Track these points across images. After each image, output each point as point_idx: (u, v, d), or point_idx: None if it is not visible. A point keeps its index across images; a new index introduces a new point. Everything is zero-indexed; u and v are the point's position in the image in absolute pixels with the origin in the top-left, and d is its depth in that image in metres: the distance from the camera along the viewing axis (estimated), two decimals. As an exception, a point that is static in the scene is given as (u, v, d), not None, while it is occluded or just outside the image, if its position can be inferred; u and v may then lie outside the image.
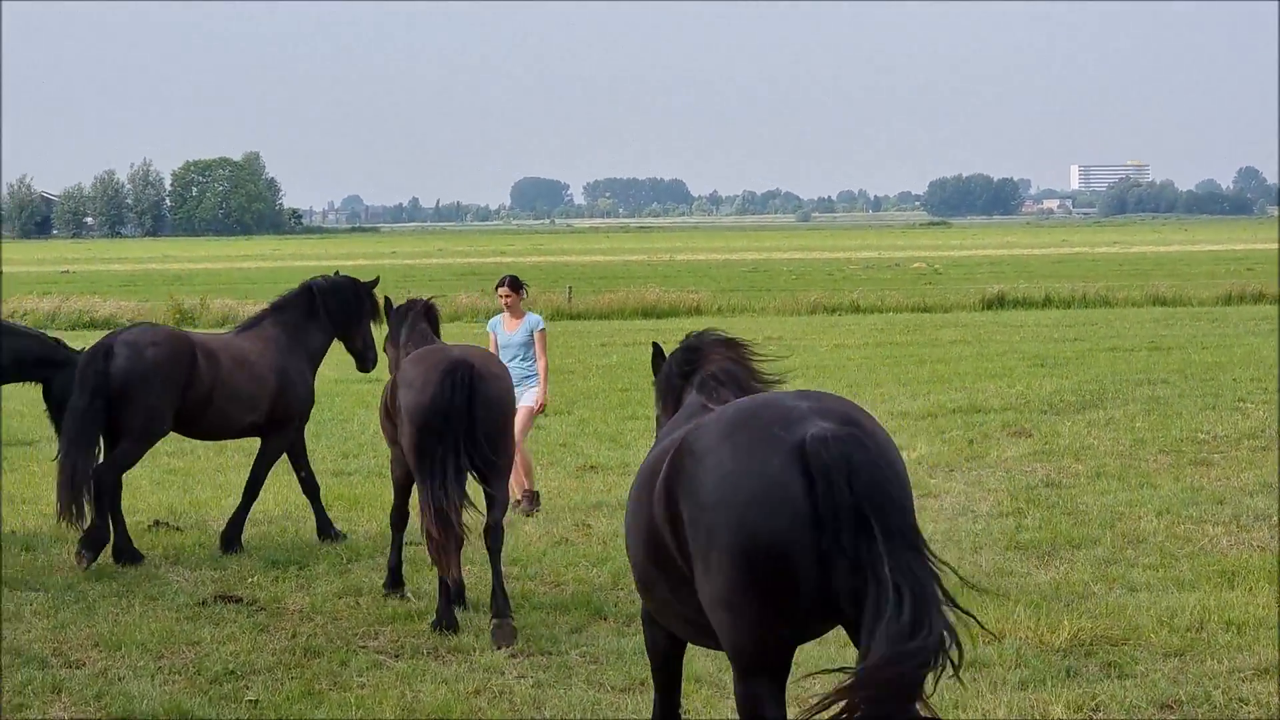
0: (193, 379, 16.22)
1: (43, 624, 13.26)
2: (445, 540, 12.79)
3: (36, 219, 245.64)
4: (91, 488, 15.64)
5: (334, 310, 17.35)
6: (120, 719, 10.89)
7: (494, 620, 12.79)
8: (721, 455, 7.16)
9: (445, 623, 13.02)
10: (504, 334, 18.33)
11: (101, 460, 15.92)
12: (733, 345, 8.86)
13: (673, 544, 7.46)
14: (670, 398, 8.97)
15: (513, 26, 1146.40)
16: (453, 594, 13.27)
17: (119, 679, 11.64)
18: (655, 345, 9.67)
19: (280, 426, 17.02)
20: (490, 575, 13.34)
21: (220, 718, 10.86)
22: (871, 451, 7.04)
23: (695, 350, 8.85)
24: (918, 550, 6.92)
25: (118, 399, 15.89)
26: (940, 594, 6.91)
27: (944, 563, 7.10)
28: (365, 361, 17.78)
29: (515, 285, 18.42)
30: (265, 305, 17.94)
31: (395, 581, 14.30)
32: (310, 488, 17.17)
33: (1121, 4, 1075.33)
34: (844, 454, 6.96)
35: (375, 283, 17.41)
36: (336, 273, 17.85)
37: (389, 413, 14.03)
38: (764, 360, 8.87)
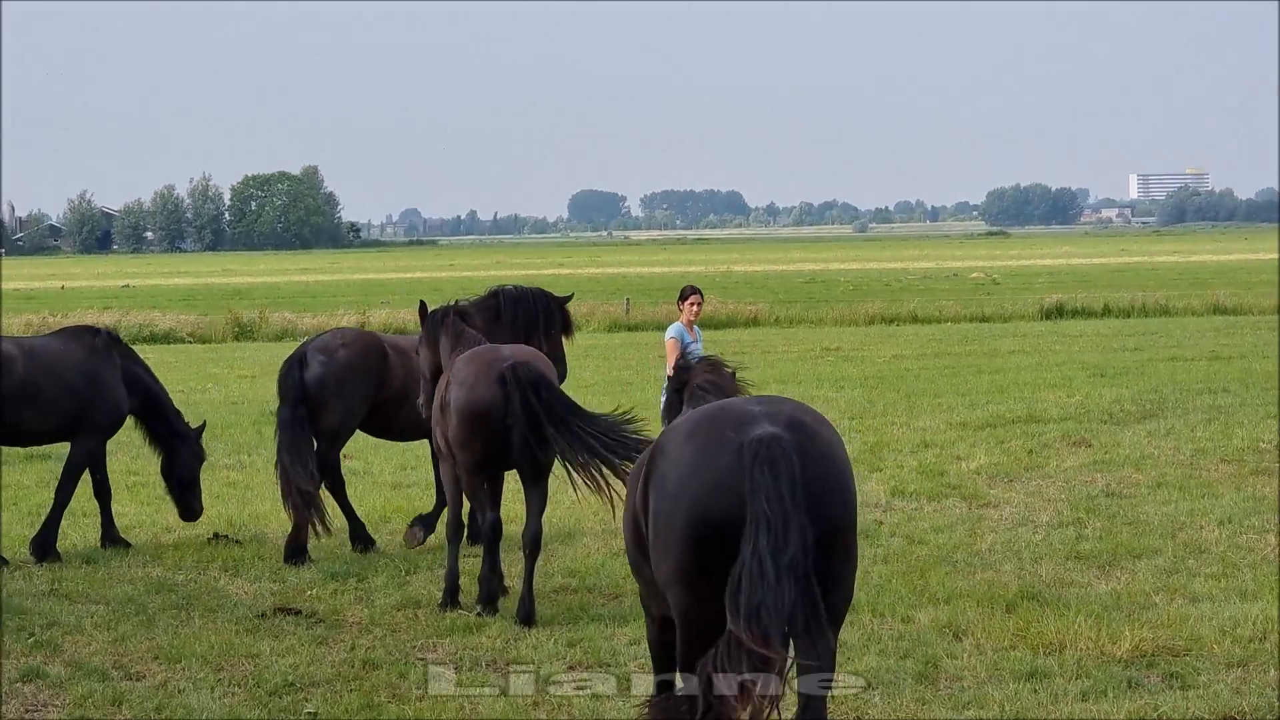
0: (385, 377, 16.81)
1: (103, 636, 13.33)
2: None
3: (97, 234, 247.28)
4: (313, 491, 16.44)
5: (517, 319, 17.05)
6: (180, 731, 10.96)
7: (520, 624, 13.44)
8: (683, 453, 8.21)
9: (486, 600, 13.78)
10: (690, 343, 18.67)
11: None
12: (715, 365, 9.86)
13: (648, 532, 8.40)
14: (671, 414, 9.93)
15: (568, 39, 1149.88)
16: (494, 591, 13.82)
17: (179, 691, 11.70)
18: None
19: None
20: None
21: (279, 730, 10.92)
22: (790, 458, 7.86)
23: (685, 369, 9.94)
24: (789, 558, 7.67)
25: (315, 403, 16.59)
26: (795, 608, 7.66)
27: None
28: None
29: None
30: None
31: (453, 597, 14.30)
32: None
33: (1180, 8, 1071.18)
34: (762, 456, 7.85)
35: (569, 298, 17.24)
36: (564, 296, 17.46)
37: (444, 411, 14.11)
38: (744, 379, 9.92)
